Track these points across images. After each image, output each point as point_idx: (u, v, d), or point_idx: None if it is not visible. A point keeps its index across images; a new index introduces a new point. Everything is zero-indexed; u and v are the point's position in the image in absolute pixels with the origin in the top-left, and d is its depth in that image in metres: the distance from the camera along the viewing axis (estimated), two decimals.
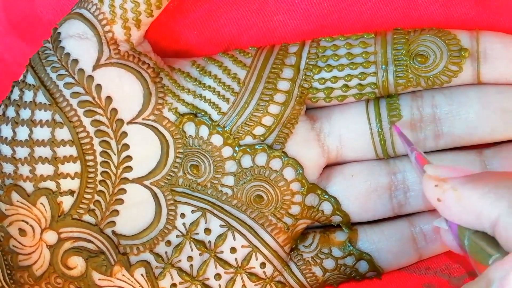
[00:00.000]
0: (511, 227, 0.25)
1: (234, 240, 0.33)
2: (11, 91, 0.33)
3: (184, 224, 0.34)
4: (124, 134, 0.33)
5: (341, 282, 0.35)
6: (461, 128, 0.33)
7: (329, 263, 0.34)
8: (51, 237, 0.33)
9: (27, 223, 0.33)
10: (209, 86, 0.34)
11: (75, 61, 0.32)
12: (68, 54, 0.32)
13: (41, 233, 0.33)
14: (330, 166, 0.35)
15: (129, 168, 0.33)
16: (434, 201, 0.28)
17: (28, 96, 0.32)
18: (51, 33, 0.33)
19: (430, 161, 0.29)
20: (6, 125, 0.33)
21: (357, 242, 0.34)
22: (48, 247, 0.33)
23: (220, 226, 0.33)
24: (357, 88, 0.33)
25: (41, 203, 0.33)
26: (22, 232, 0.33)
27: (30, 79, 0.33)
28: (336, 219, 0.34)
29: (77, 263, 0.33)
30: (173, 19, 0.35)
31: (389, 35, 0.34)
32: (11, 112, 0.33)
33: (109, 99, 0.32)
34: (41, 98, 0.32)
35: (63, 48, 0.32)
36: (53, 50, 0.33)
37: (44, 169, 0.32)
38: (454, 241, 0.29)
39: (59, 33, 0.33)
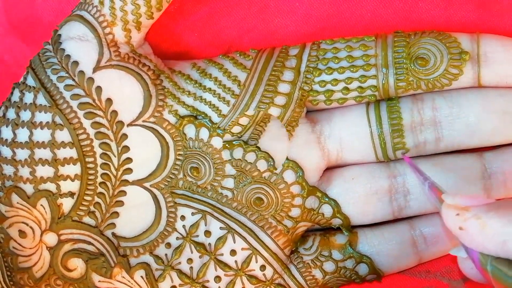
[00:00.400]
0: None
1: (234, 242, 0.34)
2: (12, 93, 0.33)
3: (184, 226, 0.34)
4: (124, 136, 0.33)
5: (341, 285, 0.35)
6: (461, 130, 0.33)
7: (329, 266, 0.34)
8: (51, 239, 0.33)
9: (27, 224, 0.33)
10: (210, 89, 0.34)
11: (76, 63, 0.32)
12: (68, 56, 0.32)
13: (41, 235, 0.33)
14: (330, 169, 0.35)
15: (129, 170, 0.33)
16: (456, 230, 0.28)
17: (29, 98, 0.33)
18: (52, 35, 0.33)
19: (443, 190, 0.29)
20: (7, 126, 0.33)
21: (357, 245, 0.34)
22: (48, 248, 0.33)
23: (220, 228, 0.34)
24: (357, 91, 0.33)
25: (41, 205, 0.33)
26: (22, 233, 0.33)
27: (30, 81, 0.33)
28: (336, 221, 0.34)
29: (77, 265, 0.33)
30: (174, 21, 0.35)
31: (390, 38, 0.34)
32: (11, 114, 0.33)
33: (109, 101, 0.32)
34: (41, 100, 0.32)
35: (63, 50, 0.32)
36: (53, 52, 0.33)
37: (44, 171, 0.32)
38: (473, 268, 0.29)
39: (60, 35, 0.33)
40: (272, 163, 0.34)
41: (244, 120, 0.34)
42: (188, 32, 0.36)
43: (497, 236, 0.26)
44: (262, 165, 0.34)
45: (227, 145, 0.33)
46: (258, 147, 0.34)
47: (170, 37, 0.36)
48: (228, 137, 0.34)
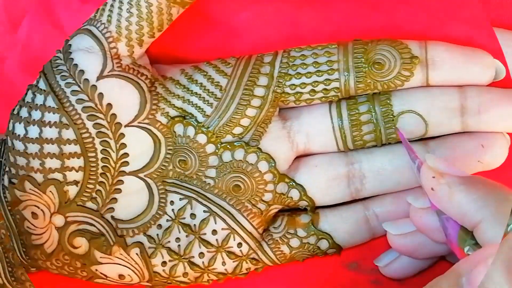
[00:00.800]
0: (488, 232, 0.29)
1: (215, 223, 0.37)
2: (26, 93, 0.37)
3: (173, 210, 0.37)
4: (122, 135, 0.36)
5: (306, 258, 0.39)
6: (411, 123, 0.37)
7: (294, 242, 0.38)
8: (59, 220, 0.37)
9: (38, 207, 0.36)
10: (196, 93, 0.37)
11: (82, 71, 0.36)
12: (76, 65, 0.36)
13: (51, 217, 0.37)
14: (298, 158, 0.38)
15: (126, 163, 0.37)
16: (428, 189, 0.32)
17: (39, 99, 0.36)
18: (63, 44, 0.37)
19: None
20: (19, 123, 0.36)
21: (318, 223, 0.38)
22: (57, 228, 0.37)
23: (204, 211, 0.37)
24: (322, 92, 0.37)
25: (50, 191, 0.36)
26: (34, 215, 0.36)
27: (42, 85, 0.36)
28: (303, 204, 0.38)
29: (82, 243, 0.37)
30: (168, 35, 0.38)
31: (350, 45, 0.37)
32: (24, 112, 0.36)
33: (109, 105, 0.36)
34: (50, 102, 0.36)
35: (72, 59, 0.36)
36: (63, 60, 0.36)
37: (52, 163, 0.36)
38: (422, 218, 0.33)
39: (70, 45, 0.36)
40: (273, 164, 0.37)
41: (245, 121, 0.37)
42: (178, 42, 0.39)
43: (460, 209, 0.30)
44: (263, 166, 0.37)
45: (228, 146, 0.37)
46: (260, 148, 0.37)
47: (165, 46, 0.39)
48: (229, 138, 0.37)
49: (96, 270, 0.38)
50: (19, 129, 0.36)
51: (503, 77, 0.38)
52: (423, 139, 0.38)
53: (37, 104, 0.36)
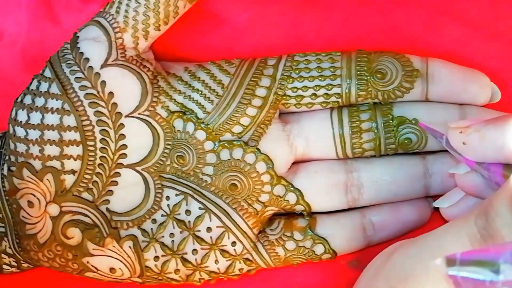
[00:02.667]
0: None
1: (210, 221, 0.37)
2: (31, 83, 0.37)
3: (168, 205, 0.37)
4: (122, 125, 0.37)
5: (300, 262, 0.38)
6: (411, 136, 0.37)
7: (290, 245, 0.38)
8: (54, 209, 0.37)
9: (34, 196, 0.37)
10: (197, 89, 0.38)
11: (87, 59, 0.36)
12: (82, 53, 0.36)
13: (46, 206, 0.37)
14: (297, 163, 0.38)
15: (124, 155, 0.37)
16: (460, 145, 0.31)
17: (44, 86, 0.37)
18: (72, 37, 0.37)
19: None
20: (22, 110, 0.37)
21: (315, 228, 0.38)
22: (51, 218, 0.37)
23: (199, 208, 0.37)
24: (324, 97, 0.38)
25: (47, 179, 0.36)
26: (30, 204, 0.37)
27: (47, 73, 0.37)
28: (299, 208, 0.38)
29: (75, 234, 0.37)
30: (174, 33, 0.39)
31: (354, 54, 0.38)
32: (28, 99, 0.37)
33: (111, 94, 0.36)
34: (54, 89, 0.36)
35: (78, 48, 0.37)
36: (70, 50, 0.37)
37: (51, 150, 0.36)
38: (471, 182, 0.32)
39: (78, 36, 0.37)
40: (271, 166, 0.37)
41: (245, 120, 0.37)
42: (182, 42, 0.40)
43: (494, 144, 0.29)
44: (261, 167, 0.37)
45: (227, 144, 0.37)
46: (258, 149, 0.38)
47: (170, 45, 0.40)
48: (228, 136, 0.38)
49: (88, 262, 0.37)
50: (22, 115, 0.37)
51: (498, 100, 0.38)
52: (420, 153, 0.38)
53: (41, 91, 0.37)
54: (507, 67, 0.39)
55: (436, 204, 0.36)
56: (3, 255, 0.38)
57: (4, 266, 0.39)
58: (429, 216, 0.39)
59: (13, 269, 0.39)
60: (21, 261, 0.39)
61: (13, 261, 0.39)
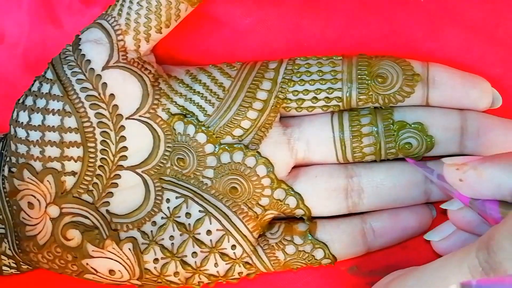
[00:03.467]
0: None
1: (210, 224, 0.37)
2: (32, 84, 0.37)
3: (168, 208, 0.37)
4: (122, 127, 0.37)
5: (300, 267, 0.38)
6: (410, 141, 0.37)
7: (290, 249, 0.38)
8: (54, 211, 0.37)
9: (34, 197, 0.37)
10: (198, 92, 0.38)
11: (88, 61, 0.36)
12: (83, 55, 0.36)
13: (46, 207, 0.37)
14: (297, 167, 0.38)
15: (125, 157, 0.37)
16: (456, 182, 0.32)
17: (45, 88, 0.37)
18: (74, 39, 0.37)
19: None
20: (24, 111, 0.37)
21: (315, 233, 0.38)
22: (51, 219, 0.37)
23: (199, 211, 0.37)
24: (324, 101, 0.38)
25: (47, 181, 0.36)
26: (30, 205, 0.37)
27: (49, 74, 0.37)
28: (299, 212, 0.38)
29: (74, 236, 0.37)
30: (175, 37, 0.39)
31: (355, 58, 0.38)
32: (29, 101, 0.37)
33: (112, 96, 0.36)
34: (55, 90, 0.36)
35: (80, 50, 0.37)
36: (72, 52, 0.37)
37: (52, 151, 0.36)
38: (465, 218, 0.33)
39: (80, 38, 0.37)
40: (271, 169, 0.37)
41: (246, 124, 0.37)
42: (183, 46, 0.40)
43: (492, 181, 0.30)
44: (261, 170, 0.37)
45: (227, 147, 0.37)
46: (259, 152, 0.38)
47: (171, 48, 0.40)
48: (229, 139, 0.38)
49: (87, 264, 0.37)
50: (23, 116, 0.37)
51: (499, 105, 0.38)
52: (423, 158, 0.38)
53: (42, 92, 0.37)
54: (508, 72, 0.39)
55: (427, 237, 0.36)
56: (2, 257, 0.38)
57: (4, 268, 0.39)
58: (430, 223, 0.39)
59: (13, 271, 0.39)
60: (21, 263, 0.39)
61: (12, 262, 0.39)
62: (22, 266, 0.39)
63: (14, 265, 0.39)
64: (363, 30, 0.39)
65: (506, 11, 0.38)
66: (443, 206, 0.35)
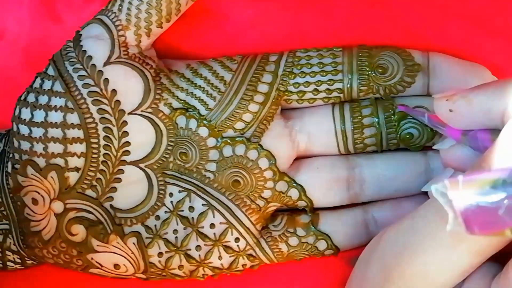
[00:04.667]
0: None
1: (214, 217, 0.37)
2: (34, 81, 0.37)
3: (171, 202, 0.38)
4: (125, 123, 0.37)
5: (303, 258, 0.39)
6: (412, 130, 0.38)
7: (293, 241, 0.38)
8: (58, 206, 0.37)
9: (38, 193, 0.37)
10: (200, 86, 0.38)
11: (90, 57, 0.36)
12: (84, 51, 0.36)
13: (50, 203, 0.37)
14: (299, 159, 0.39)
15: (128, 152, 0.37)
16: (447, 114, 0.31)
17: (47, 84, 0.37)
18: (75, 35, 0.38)
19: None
20: (26, 108, 0.37)
21: (318, 224, 0.38)
22: (55, 215, 0.37)
23: (202, 205, 0.37)
24: (325, 92, 0.38)
25: (51, 177, 0.37)
26: (34, 201, 0.37)
27: (50, 71, 0.37)
28: (302, 204, 0.38)
29: (79, 231, 0.37)
30: (176, 32, 0.39)
31: (355, 49, 0.38)
32: (31, 98, 0.37)
33: (114, 91, 0.36)
34: (57, 87, 0.36)
35: (81, 46, 0.37)
36: (73, 48, 0.37)
37: (55, 148, 0.36)
38: (456, 156, 0.32)
39: (81, 34, 0.37)
40: (273, 162, 0.38)
41: (247, 117, 0.38)
42: (184, 39, 0.40)
43: (482, 107, 0.30)
44: (263, 163, 0.38)
45: (229, 140, 0.37)
46: (261, 145, 0.38)
47: (172, 43, 0.40)
48: (231, 132, 0.38)
49: (92, 258, 0.38)
50: (25, 113, 0.37)
51: None
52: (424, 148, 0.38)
53: (44, 89, 0.37)
54: (508, 63, 0.39)
55: (436, 147, 0.35)
56: (7, 252, 0.39)
57: (8, 263, 0.39)
58: None
59: (17, 266, 0.39)
60: (26, 258, 0.39)
61: (17, 258, 0.39)
62: (27, 261, 0.39)
63: (19, 261, 0.39)
64: (364, 22, 0.39)
65: (505, 1, 0.38)
66: (435, 147, 0.34)
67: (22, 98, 0.37)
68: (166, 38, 0.39)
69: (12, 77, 0.41)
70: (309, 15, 0.39)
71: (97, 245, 0.37)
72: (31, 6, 0.41)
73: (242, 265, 0.39)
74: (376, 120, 0.38)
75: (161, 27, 0.37)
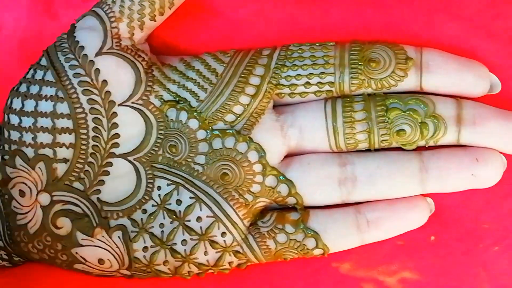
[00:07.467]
0: None
1: (201, 210, 0.37)
2: (27, 72, 0.38)
3: (159, 195, 0.37)
4: (115, 114, 0.37)
5: (291, 257, 0.38)
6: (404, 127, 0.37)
7: (281, 237, 0.37)
8: (45, 198, 0.37)
9: (26, 184, 0.36)
10: (191, 78, 0.38)
11: (82, 47, 0.37)
12: (77, 42, 0.37)
13: (37, 195, 0.37)
14: (291, 156, 0.38)
15: (117, 144, 0.37)
16: None
17: (39, 74, 0.37)
18: (70, 27, 0.38)
19: None
20: (17, 98, 0.37)
21: (308, 222, 0.37)
22: (42, 207, 0.37)
23: (190, 198, 0.37)
24: (317, 86, 0.37)
25: (39, 168, 0.36)
26: (21, 193, 0.36)
27: (43, 61, 0.37)
28: (292, 201, 0.37)
29: (64, 224, 0.37)
30: (170, 29, 0.40)
31: (347, 44, 0.38)
32: (23, 88, 0.37)
33: (104, 82, 0.36)
34: (49, 76, 0.37)
35: (74, 37, 0.37)
36: (66, 39, 0.37)
37: (44, 138, 0.36)
38: None
39: (75, 26, 0.38)
40: (263, 155, 0.37)
41: (238, 109, 0.37)
42: (178, 36, 0.40)
43: None
44: (253, 156, 0.37)
45: (219, 133, 0.37)
46: (251, 138, 0.37)
47: (166, 40, 0.40)
48: (221, 125, 0.37)
49: (76, 253, 0.37)
50: (16, 103, 0.37)
51: (498, 91, 0.38)
52: (417, 148, 0.37)
53: (36, 79, 0.37)
54: (505, 65, 0.38)
55: None
56: None
57: None
58: (427, 217, 0.38)
59: (5, 263, 0.39)
60: (12, 255, 0.38)
61: (4, 254, 0.38)
62: (14, 258, 0.39)
63: (6, 257, 0.39)
64: (359, 21, 0.39)
65: (504, 3, 0.38)
66: None
67: (15, 88, 0.38)
68: (161, 36, 0.39)
69: (7, 72, 0.41)
70: (305, 14, 0.39)
71: (82, 239, 0.37)
72: (29, 2, 0.41)
73: (229, 263, 0.37)
74: (368, 115, 0.37)
75: (155, 20, 0.37)
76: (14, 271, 0.40)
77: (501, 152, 0.37)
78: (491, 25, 0.38)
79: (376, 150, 0.38)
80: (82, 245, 0.37)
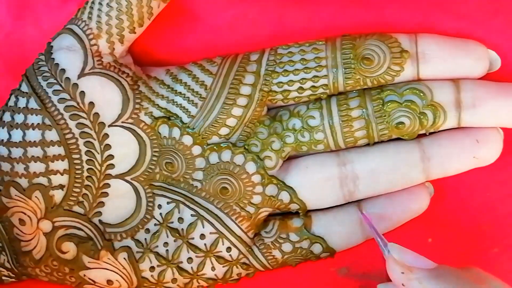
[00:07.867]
0: None
1: (203, 227, 0.36)
2: (8, 99, 0.36)
3: (161, 214, 0.37)
4: (106, 135, 0.36)
5: (299, 263, 0.37)
6: (404, 118, 0.36)
7: (287, 247, 0.37)
8: (46, 225, 0.36)
9: (25, 213, 0.36)
10: (180, 92, 0.36)
11: (63, 70, 0.35)
12: (57, 65, 0.35)
13: (38, 223, 0.36)
14: (288, 160, 0.37)
15: (112, 166, 0.36)
16: (399, 284, 0.32)
17: (22, 102, 0.36)
18: (46, 47, 0.36)
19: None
20: (3, 128, 0.36)
21: (311, 227, 0.37)
22: (44, 234, 0.36)
23: (191, 215, 0.36)
24: (311, 90, 0.36)
25: (35, 196, 0.36)
26: (21, 221, 0.36)
27: (24, 87, 0.36)
28: (294, 207, 0.37)
29: (70, 248, 0.36)
30: (153, 35, 0.38)
31: (338, 41, 0.36)
32: (7, 117, 0.36)
33: (91, 104, 0.35)
34: (32, 104, 0.36)
35: (53, 59, 0.36)
36: (45, 61, 0.36)
37: (37, 167, 0.35)
38: None
39: (52, 46, 0.36)
40: (261, 165, 0.36)
41: (231, 122, 0.36)
42: (162, 43, 0.38)
43: None
44: (251, 167, 0.36)
45: (215, 147, 0.36)
46: (247, 149, 0.36)
47: (148, 48, 0.38)
48: (215, 139, 0.36)
49: (84, 275, 0.37)
50: (3, 134, 0.36)
51: (498, 67, 0.37)
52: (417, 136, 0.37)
53: (19, 107, 0.36)
54: (506, 61, 0.37)
55: (379, 286, 0.35)
56: (1, 269, 0.38)
57: (4, 278, 0.39)
58: (428, 202, 0.37)
59: (12, 280, 0.39)
60: (20, 275, 0.38)
61: (11, 274, 0.38)
62: (22, 277, 0.39)
63: (13, 275, 0.39)
64: (350, 22, 0.37)
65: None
66: (380, 286, 0.34)
67: None
68: (143, 44, 0.38)
69: None
70: (293, 16, 0.37)
71: (88, 262, 0.37)
72: (10, 7, 0.39)
73: (237, 274, 0.38)
74: (365, 111, 0.36)
75: (134, 32, 0.36)
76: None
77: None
78: (489, 22, 0.36)
79: (375, 142, 0.37)
80: (89, 268, 0.37)
